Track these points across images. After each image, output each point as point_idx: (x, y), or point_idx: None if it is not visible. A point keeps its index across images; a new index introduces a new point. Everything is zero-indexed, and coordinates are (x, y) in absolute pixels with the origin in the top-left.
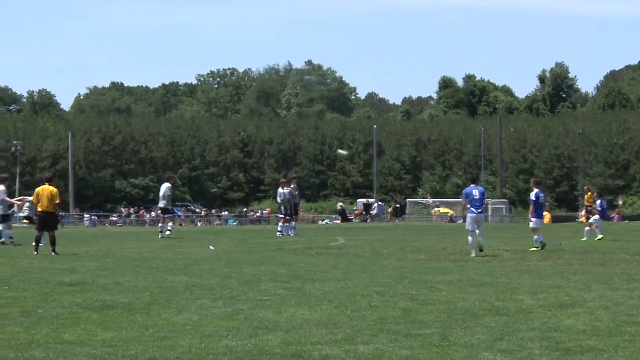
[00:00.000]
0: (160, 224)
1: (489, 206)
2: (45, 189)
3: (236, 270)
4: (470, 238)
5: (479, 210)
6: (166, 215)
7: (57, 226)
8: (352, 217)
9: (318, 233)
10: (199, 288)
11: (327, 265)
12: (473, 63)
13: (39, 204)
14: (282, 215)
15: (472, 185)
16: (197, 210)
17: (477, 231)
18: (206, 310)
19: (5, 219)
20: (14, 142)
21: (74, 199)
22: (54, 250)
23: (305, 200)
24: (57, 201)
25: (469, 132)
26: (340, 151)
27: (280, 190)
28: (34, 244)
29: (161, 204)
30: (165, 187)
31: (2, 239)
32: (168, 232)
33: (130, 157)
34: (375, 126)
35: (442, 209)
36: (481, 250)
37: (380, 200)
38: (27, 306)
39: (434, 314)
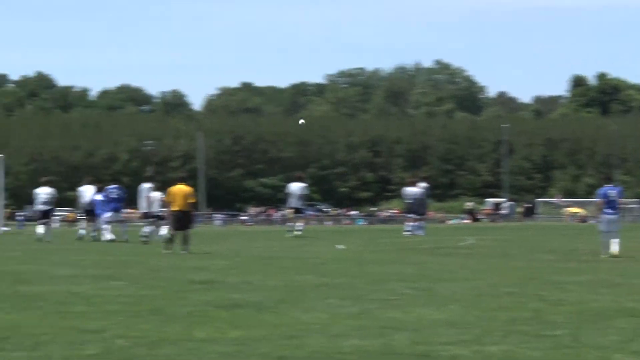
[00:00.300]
0: (291, 223)
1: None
2: (180, 189)
3: (364, 270)
4: (603, 239)
5: (615, 211)
6: (298, 215)
7: (192, 225)
8: (481, 217)
9: (447, 233)
10: (328, 287)
11: (456, 265)
12: (606, 61)
13: (173, 203)
14: (410, 215)
15: (607, 185)
16: (326, 209)
17: (612, 234)
18: (334, 310)
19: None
20: (146, 142)
21: (205, 199)
22: (185, 249)
23: (433, 200)
24: (192, 200)
25: (601, 131)
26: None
27: (408, 189)
28: (166, 243)
29: (296, 203)
30: (300, 186)
31: (148, 237)
32: (299, 232)
33: (259, 157)
34: (505, 125)
35: (573, 209)
36: (615, 256)
37: (510, 200)
38: (157, 304)
39: (565, 315)
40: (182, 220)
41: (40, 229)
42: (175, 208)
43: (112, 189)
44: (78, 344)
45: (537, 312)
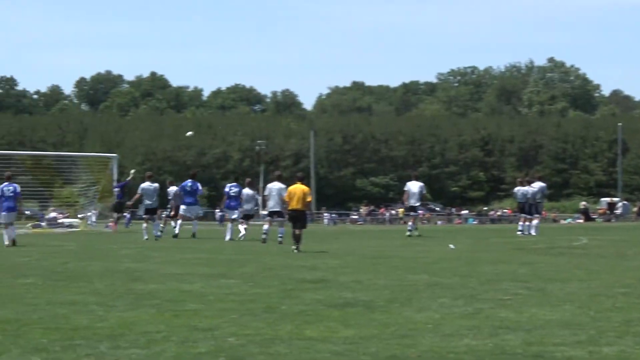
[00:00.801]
0: (411, 223)
1: None
2: (298, 188)
3: (476, 269)
4: None
5: None
6: (412, 214)
7: (306, 225)
8: (595, 217)
9: (560, 232)
10: (439, 287)
11: (569, 265)
12: None
13: (291, 203)
14: (522, 215)
15: None
16: (437, 208)
17: None
18: (446, 309)
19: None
20: (258, 141)
21: (316, 198)
22: (297, 248)
23: (546, 199)
24: (308, 200)
25: None
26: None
27: (521, 188)
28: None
29: (414, 202)
30: (418, 185)
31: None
32: (413, 232)
33: (370, 155)
34: (619, 124)
35: None
36: None
37: (624, 200)
38: (270, 302)
39: None
40: (297, 219)
41: (145, 226)
42: (291, 207)
43: (233, 187)
44: (190, 341)
45: None
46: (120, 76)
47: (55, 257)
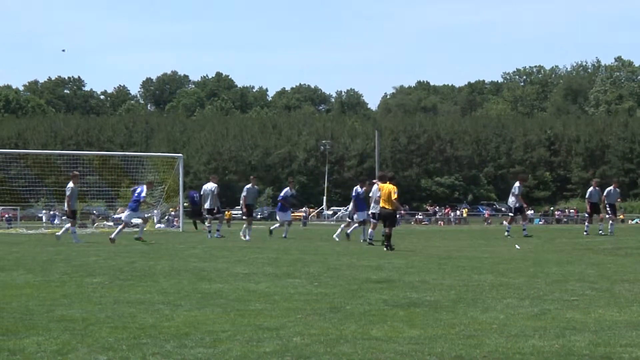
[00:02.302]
0: (507, 224)
1: None
2: (386, 187)
3: (543, 270)
4: None
5: None
6: (514, 215)
7: (395, 224)
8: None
9: (628, 233)
10: (505, 287)
11: (637, 266)
12: None
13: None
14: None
15: None
16: (503, 209)
17: None
18: (512, 310)
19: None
20: (323, 141)
21: None
22: (388, 245)
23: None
24: (395, 197)
25: None
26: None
27: (592, 189)
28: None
29: (514, 202)
30: (516, 185)
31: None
32: (506, 233)
33: (435, 155)
34: None
35: None
36: None
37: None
38: (335, 302)
39: None
40: (386, 218)
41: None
42: (381, 205)
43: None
44: (256, 341)
45: None
46: (186, 76)
47: (122, 256)
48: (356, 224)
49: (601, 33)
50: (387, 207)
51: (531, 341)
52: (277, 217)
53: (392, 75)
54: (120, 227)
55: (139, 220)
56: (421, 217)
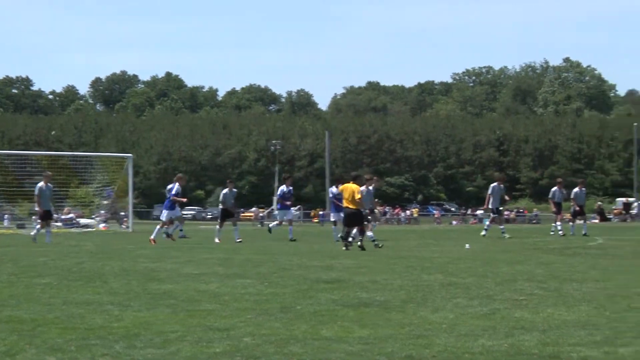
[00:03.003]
0: (491, 224)
1: None
2: (349, 187)
3: (492, 270)
4: None
5: None
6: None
7: (362, 223)
8: (611, 217)
9: (576, 233)
10: (455, 287)
11: (585, 266)
12: None
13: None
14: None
15: None
16: (453, 209)
17: None
18: (462, 309)
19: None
20: (273, 141)
21: None
22: (348, 243)
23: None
24: (358, 197)
25: None
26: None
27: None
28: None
29: (494, 204)
30: (500, 187)
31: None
32: (505, 234)
33: (386, 155)
34: (635, 124)
35: None
36: None
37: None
38: (286, 302)
39: None
40: (351, 217)
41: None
42: (345, 205)
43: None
44: (206, 341)
45: None
46: (135, 76)
47: (71, 257)
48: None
49: (549, 34)
50: (350, 206)
51: (480, 340)
52: (277, 217)
53: (343, 75)
54: (158, 227)
55: (165, 218)
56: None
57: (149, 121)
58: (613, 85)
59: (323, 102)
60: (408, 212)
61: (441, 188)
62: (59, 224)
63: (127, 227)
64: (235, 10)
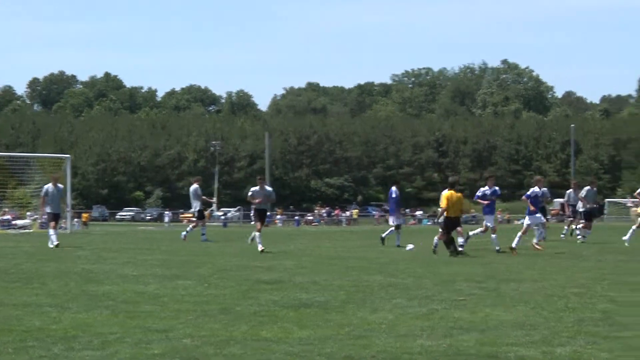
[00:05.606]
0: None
1: None
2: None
3: (432, 270)
4: None
5: None
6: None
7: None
8: (548, 217)
9: (514, 233)
10: (395, 287)
11: (523, 266)
12: None
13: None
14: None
15: None
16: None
17: None
18: (401, 310)
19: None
20: (213, 142)
21: None
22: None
23: (500, 200)
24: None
25: None
26: None
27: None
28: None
29: (584, 206)
30: (586, 189)
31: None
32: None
33: (325, 156)
34: (572, 125)
35: None
36: None
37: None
38: (226, 304)
39: (635, 316)
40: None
41: None
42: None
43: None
44: (145, 343)
45: (606, 313)
46: (73, 77)
47: (8, 258)
48: (392, 228)
49: (488, 36)
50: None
51: (419, 341)
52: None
53: (282, 76)
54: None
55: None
56: (311, 218)
57: (87, 122)
58: (550, 87)
59: (263, 103)
60: (348, 213)
61: (381, 189)
62: None
63: (66, 228)
64: (175, 10)
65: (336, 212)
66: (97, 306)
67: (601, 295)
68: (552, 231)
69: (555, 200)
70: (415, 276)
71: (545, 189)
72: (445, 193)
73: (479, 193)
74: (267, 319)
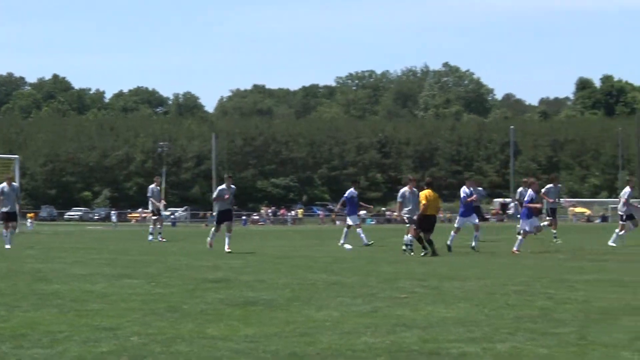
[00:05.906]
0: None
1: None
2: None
3: (375, 269)
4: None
5: None
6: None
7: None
8: (489, 217)
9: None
10: (339, 286)
11: (465, 264)
12: (611, 64)
13: None
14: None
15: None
16: (335, 209)
17: None
18: (346, 307)
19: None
20: (161, 143)
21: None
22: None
23: (442, 201)
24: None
25: (606, 133)
26: None
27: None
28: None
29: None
30: (626, 191)
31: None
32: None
33: (271, 157)
34: (512, 127)
35: (578, 209)
36: None
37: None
38: (173, 302)
39: (572, 312)
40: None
41: None
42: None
43: None
44: (93, 341)
45: (545, 310)
46: (22, 78)
47: None
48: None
49: (430, 39)
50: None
51: (363, 338)
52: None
53: (229, 78)
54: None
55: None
56: (257, 217)
57: (35, 123)
58: (491, 89)
59: (209, 105)
60: (293, 213)
61: (325, 189)
62: None
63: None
64: (122, 12)
65: (282, 211)
66: (45, 305)
67: (540, 292)
68: (491, 230)
69: (495, 200)
70: (359, 274)
71: (481, 188)
72: (424, 192)
73: (463, 194)
74: (214, 317)
